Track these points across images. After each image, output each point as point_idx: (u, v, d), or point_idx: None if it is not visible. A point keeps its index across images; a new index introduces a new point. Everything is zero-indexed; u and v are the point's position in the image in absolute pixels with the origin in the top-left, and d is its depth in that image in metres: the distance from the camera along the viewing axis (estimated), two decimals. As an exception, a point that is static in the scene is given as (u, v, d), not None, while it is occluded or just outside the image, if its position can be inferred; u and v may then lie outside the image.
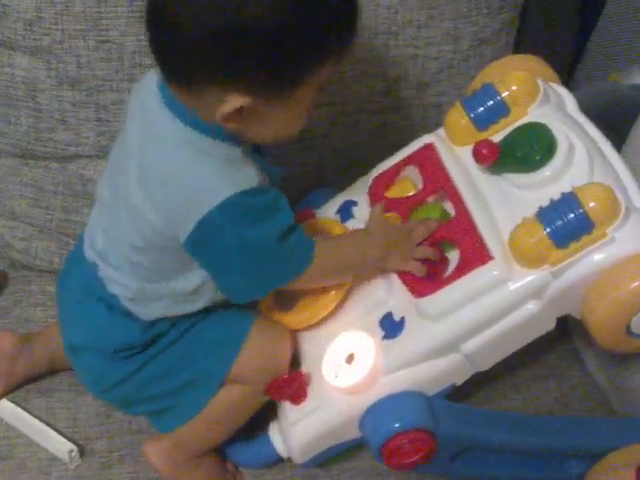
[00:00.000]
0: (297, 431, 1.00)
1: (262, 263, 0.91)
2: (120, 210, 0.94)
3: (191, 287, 0.96)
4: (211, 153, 0.88)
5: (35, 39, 1.10)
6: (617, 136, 1.03)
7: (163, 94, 0.89)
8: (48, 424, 1.08)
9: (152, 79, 0.92)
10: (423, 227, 0.98)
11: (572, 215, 0.87)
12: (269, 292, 0.98)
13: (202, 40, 0.82)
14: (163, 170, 0.89)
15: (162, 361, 0.99)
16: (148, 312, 0.97)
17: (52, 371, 1.12)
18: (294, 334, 1.03)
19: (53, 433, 1.07)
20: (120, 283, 0.97)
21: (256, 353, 0.98)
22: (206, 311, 0.99)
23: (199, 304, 0.98)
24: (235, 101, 0.84)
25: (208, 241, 0.89)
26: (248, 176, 0.88)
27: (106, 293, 0.98)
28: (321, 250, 0.94)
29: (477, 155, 0.96)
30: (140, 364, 0.99)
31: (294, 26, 0.82)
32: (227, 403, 1.00)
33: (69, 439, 1.06)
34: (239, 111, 0.85)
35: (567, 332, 1.14)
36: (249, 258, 0.90)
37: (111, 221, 0.97)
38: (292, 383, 0.99)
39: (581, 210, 0.87)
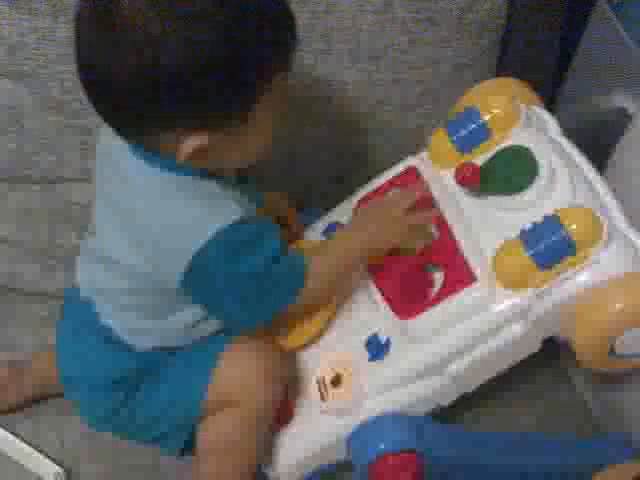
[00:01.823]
0: (283, 452, 1.00)
1: (257, 292, 0.90)
2: (105, 261, 0.94)
3: (184, 326, 0.96)
4: (189, 193, 0.87)
5: (18, 64, 1.10)
6: (599, 159, 1.05)
7: (128, 142, 0.88)
8: (34, 447, 1.07)
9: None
10: (402, 194, 0.99)
11: (555, 238, 0.88)
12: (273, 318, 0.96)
13: (138, 91, 0.80)
14: (143, 218, 0.88)
15: (152, 389, 0.98)
16: (144, 343, 0.97)
17: (41, 398, 1.11)
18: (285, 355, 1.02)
19: (40, 456, 1.06)
20: (116, 317, 0.97)
21: (230, 373, 0.97)
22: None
23: (194, 337, 0.98)
24: (192, 142, 0.83)
25: (199, 281, 0.88)
26: (230, 209, 0.87)
27: (101, 325, 0.97)
28: (313, 264, 0.94)
29: (459, 177, 0.97)
30: (133, 393, 0.98)
31: (228, 57, 0.79)
32: (225, 430, 0.98)
33: (55, 462, 1.06)
34: (200, 149, 0.83)
35: (555, 350, 1.14)
36: (243, 290, 0.90)
37: (99, 268, 0.97)
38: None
39: (564, 232, 0.88)
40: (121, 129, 0.86)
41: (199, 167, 0.86)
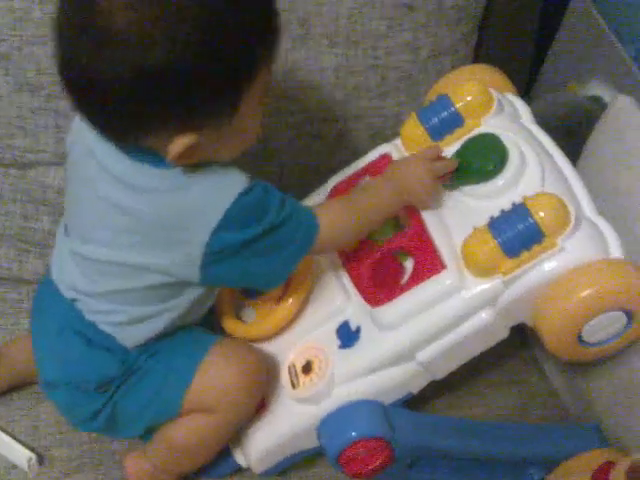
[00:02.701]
0: (256, 440, 1.00)
1: (279, 244, 0.90)
2: (97, 264, 0.93)
3: (186, 305, 0.95)
4: (187, 181, 0.86)
5: (-7, 45, 1.10)
6: (575, 146, 1.05)
7: (115, 144, 0.87)
8: (7, 432, 1.07)
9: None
10: (430, 150, 0.98)
11: (522, 225, 0.88)
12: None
13: (122, 93, 0.79)
14: (152, 217, 0.87)
15: (132, 393, 0.97)
16: (134, 335, 0.95)
17: (13, 388, 1.10)
18: (266, 359, 1.01)
19: (12, 441, 1.06)
20: (106, 311, 0.95)
21: (207, 383, 0.95)
22: (171, 334, 0.97)
23: (188, 319, 0.97)
24: (180, 142, 0.82)
25: (221, 262, 0.88)
26: (235, 178, 0.87)
27: (84, 324, 0.96)
28: (325, 210, 0.94)
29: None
30: (114, 396, 0.97)
31: (212, 55, 0.79)
32: (196, 433, 0.98)
33: (28, 447, 1.05)
34: (189, 148, 0.83)
35: (527, 339, 1.15)
36: (266, 249, 0.89)
37: (92, 272, 0.94)
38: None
39: (531, 220, 0.88)
40: (105, 131, 0.85)
41: (189, 164, 0.85)
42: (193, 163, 0.85)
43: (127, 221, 0.88)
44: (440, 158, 0.97)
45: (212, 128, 0.83)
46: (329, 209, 0.95)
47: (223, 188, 0.86)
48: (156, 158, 0.85)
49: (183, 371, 0.96)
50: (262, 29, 0.83)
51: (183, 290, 0.93)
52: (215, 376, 0.95)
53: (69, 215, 0.98)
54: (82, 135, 0.91)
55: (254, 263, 0.90)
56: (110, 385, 0.96)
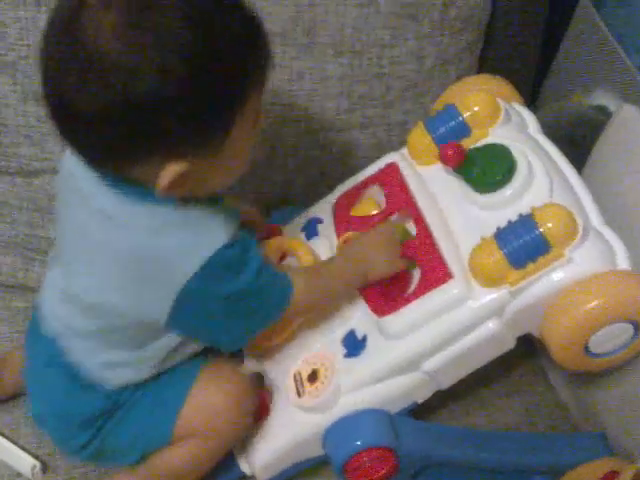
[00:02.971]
0: (260, 449, 1.00)
1: (247, 310, 0.89)
2: (78, 300, 0.92)
3: (164, 353, 0.93)
4: (172, 223, 0.85)
5: (1, 54, 1.10)
6: (580, 156, 1.05)
7: (100, 174, 0.85)
8: (11, 440, 1.06)
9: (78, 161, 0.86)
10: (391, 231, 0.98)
11: (528, 237, 0.88)
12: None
13: (109, 122, 0.77)
14: (128, 256, 0.86)
15: (121, 427, 0.96)
16: (116, 379, 0.94)
17: (18, 394, 1.10)
18: (254, 383, 1.00)
19: (16, 449, 1.06)
20: (87, 355, 0.94)
21: (197, 410, 0.94)
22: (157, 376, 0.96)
23: (168, 365, 0.96)
24: (171, 171, 0.80)
25: (189, 311, 0.87)
26: (214, 235, 0.85)
27: (68, 361, 0.94)
28: (301, 277, 0.93)
29: (443, 157, 0.96)
30: (102, 430, 0.96)
31: (201, 84, 0.77)
32: (189, 458, 0.96)
33: (32, 455, 1.05)
34: (180, 176, 0.81)
35: (532, 349, 1.15)
36: (234, 311, 0.88)
37: (70, 306, 0.93)
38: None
39: (537, 231, 0.88)
40: (92, 161, 0.83)
41: (179, 195, 0.84)
42: (182, 195, 0.83)
43: (103, 256, 0.87)
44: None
45: (202, 156, 0.82)
46: (302, 275, 0.95)
47: (206, 236, 0.85)
48: (142, 191, 0.83)
49: (172, 401, 0.95)
50: (252, 56, 0.82)
51: (159, 336, 0.91)
52: (206, 402, 0.95)
53: (56, 247, 0.98)
54: (69, 169, 0.90)
55: (224, 320, 0.89)
56: (96, 421, 0.95)
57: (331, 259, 1.01)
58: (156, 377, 0.95)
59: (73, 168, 0.88)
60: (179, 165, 0.80)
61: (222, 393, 0.95)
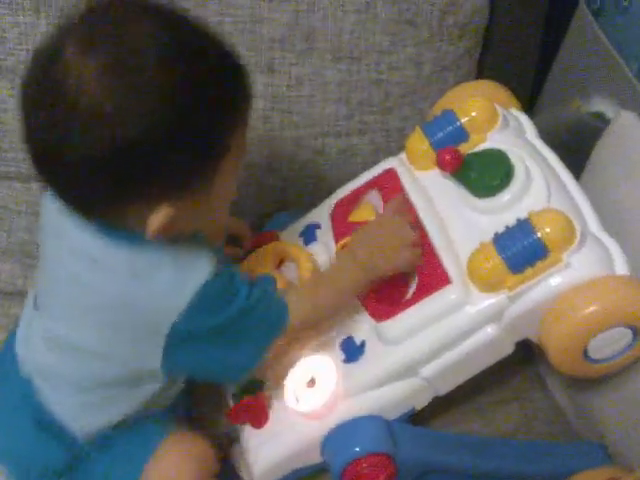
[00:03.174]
0: (258, 455, 0.99)
1: (241, 338, 0.88)
2: (57, 342, 0.90)
3: (142, 400, 0.92)
4: (155, 263, 0.83)
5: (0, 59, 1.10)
6: (577, 162, 1.05)
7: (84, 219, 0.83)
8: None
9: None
10: (393, 218, 0.96)
11: (526, 241, 0.88)
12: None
13: (92, 169, 0.76)
14: (113, 300, 0.84)
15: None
16: (86, 423, 0.92)
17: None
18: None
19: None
20: (60, 399, 0.92)
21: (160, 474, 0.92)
22: (124, 424, 0.93)
23: (148, 412, 0.94)
24: (159, 216, 0.80)
25: (183, 351, 0.86)
26: (199, 269, 0.84)
27: (36, 404, 0.92)
28: (295, 294, 0.92)
29: (441, 162, 0.96)
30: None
31: (184, 127, 0.77)
32: None
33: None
34: (169, 220, 0.80)
35: (531, 355, 1.14)
36: (228, 342, 0.87)
37: (48, 348, 0.91)
38: (253, 407, 0.99)
39: (535, 236, 0.88)
40: (76, 207, 0.82)
41: (167, 236, 0.82)
42: (171, 236, 0.82)
43: (88, 299, 0.86)
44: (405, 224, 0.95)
45: (190, 198, 0.81)
46: (298, 293, 0.93)
47: (191, 272, 0.83)
48: (127, 234, 0.83)
49: (138, 459, 0.92)
50: (235, 96, 0.82)
51: (140, 383, 0.90)
52: (169, 467, 0.92)
53: (38, 285, 0.95)
54: (50, 208, 0.88)
55: (221, 350, 0.88)
56: (56, 475, 0.92)
57: (332, 264, 0.99)
58: (121, 437, 0.92)
59: (55, 208, 0.86)
60: (167, 209, 0.80)
61: (187, 459, 0.93)
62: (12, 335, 0.99)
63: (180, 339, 0.84)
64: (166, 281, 0.83)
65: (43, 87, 0.78)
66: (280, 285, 0.98)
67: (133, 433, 0.93)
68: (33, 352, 0.93)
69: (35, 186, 1.18)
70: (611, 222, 0.94)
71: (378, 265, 0.93)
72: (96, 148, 0.75)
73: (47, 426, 0.92)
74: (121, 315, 0.85)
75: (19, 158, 1.16)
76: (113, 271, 0.84)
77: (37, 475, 0.93)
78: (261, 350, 0.91)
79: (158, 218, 0.80)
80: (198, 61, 0.78)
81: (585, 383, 1.04)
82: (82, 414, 0.92)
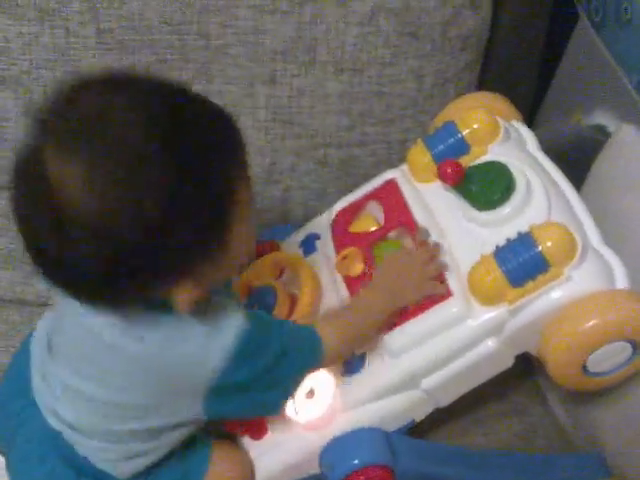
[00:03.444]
0: (257, 466, 0.99)
1: (281, 377, 0.88)
2: (97, 404, 0.87)
3: (181, 438, 0.91)
4: (185, 327, 0.81)
5: (3, 69, 1.11)
6: (578, 175, 1.05)
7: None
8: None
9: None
10: (422, 250, 0.95)
11: (527, 255, 0.88)
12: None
13: (100, 273, 0.73)
14: (151, 361, 0.82)
15: None
16: (128, 469, 0.90)
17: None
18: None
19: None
20: (96, 448, 0.89)
21: None
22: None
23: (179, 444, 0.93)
24: (183, 295, 0.78)
25: (228, 396, 0.85)
26: (233, 318, 0.83)
27: (76, 455, 0.90)
28: (328, 328, 0.91)
29: (442, 174, 0.96)
30: None
31: (190, 211, 0.74)
32: None
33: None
34: (195, 291, 0.78)
35: (530, 368, 1.14)
36: (275, 381, 0.87)
37: (82, 410, 0.88)
38: (252, 418, 0.99)
39: (536, 250, 0.88)
40: (96, 306, 0.79)
41: (198, 300, 0.80)
42: (200, 298, 0.80)
43: (118, 361, 0.83)
44: (433, 257, 0.95)
45: (208, 266, 0.78)
46: (330, 326, 0.92)
47: (222, 330, 0.82)
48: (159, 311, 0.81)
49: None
50: (233, 160, 0.79)
51: (181, 427, 0.90)
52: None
53: (55, 332, 0.91)
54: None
55: (259, 393, 0.87)
56: None
57: (357, 297, 0.97)
58: (167, 458, 0.92)
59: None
60: (191, 283, 0.78)
61: (236, 471, 0.96)
62: (22, 355, 0.97)
63: (218, 393, 0.84)
64: (199, 339, 0.82)
65: (29, 188, 0.74)
66: (280, 296, 0.99)
67: (181, 456, 0.93)
68: (58, 405, 0.90)
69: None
70: (612, 235, 0.94)
71: (404, 296, 0.94)
72: (100, 253, 0.72)
73: (88, 473, 0.90)
74: (161, 378, 0.84)
75: (21, 167, 1.16)
76: (142, 340, 0.81)
77: None
78: (296, 384, 0.91)
79: (184, 296, 0.78)
80: (185, 136, 0.74)
81: (584, 396, 1.04)
82: (120, 462, 0.90)
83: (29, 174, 0.74)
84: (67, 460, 0.90)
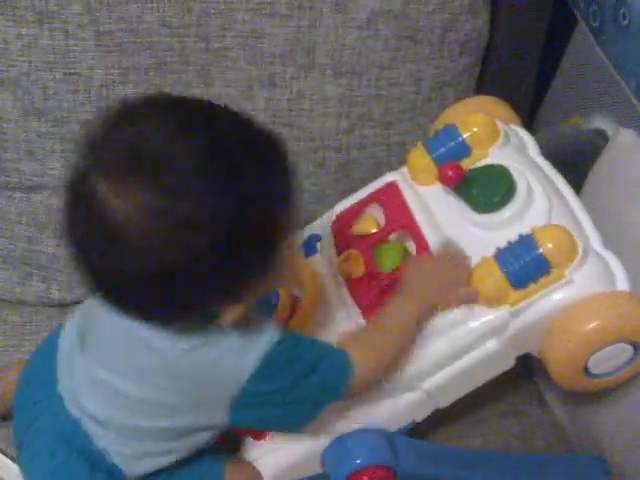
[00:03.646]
0: (260, 467, 0.99)
1: (312, 394, 0.88)
2: (122, 398, 0.88)
3: (198, 444, 0.92)
4: (223, 334, 0.83)
5: (2, 70, 1.11)
6: (577, 179, 1.06)
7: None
8: (9, 457, 1.05)
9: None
10: (450, 257, 0.95)
11: (529, 257, 0.89)
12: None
13: (158, 293, 0.75)
14: (183, 367, 0.84)
15: None
16: (141, 467, 0.91)
17: (5, 419, 1.07)
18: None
19: (10, 463, 1.05)
20: (113, 441, 0.90)
21: None
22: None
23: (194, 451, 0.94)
24: (231, 314, 0.80)
25: (253, 406, 0.86)
26: (267, 330, 0.84)
27: (91, 448, 0.90)
28: (358, 353, 0.90)
29: (443, 177, 0.97)
30: None
31: (246, 240, 0.75)
32: None
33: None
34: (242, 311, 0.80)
35: (529, 369, 1.15)
36: (300, 399, 0.88)
37: (107, 402, 0.89)
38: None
39: (538, 252, 0.88)
40: (146, 321, 0.81)
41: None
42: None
43: (156, 361, 0.84)
44: (460, 262, 0.94)
45: (254, 286, 0.80)
46: (359, 343, 0.92)
47: (256, 340, 0.84)
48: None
49: None
50: (287, 185, 0.80)
51: (205, 429, 0.90)
52: None
53: (88, 329, 0.92)
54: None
55: (287, 409, 0.88)
56: None
57: (383, 312, 0.94)
58: (178, 467, 0.93)
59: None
60: (241, 306, 0.80)
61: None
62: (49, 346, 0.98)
63: (246, 401, 0.85)
64: (234, 347, 0.83)
65: (88, 227, 0.75)
66: (282, 297, 0.99)
67: (196, 465, 0.94)
68: (82, 396, 0.90)
69: (35, 197, 1.18)
70: (610, 238, 0.95)
71: (433, 301, 0.93)
72: (158, 273, 0.74)
73: (101, 467, 0.90)
74: (189, 381, 0.85)
75: (21, 169, 1.16)
76: (178, 339, 0.83)
77: None
78: (323, 404, 0.90)
79: (231, 312, 0.80)
80: (236, 162, 0.75)
81: (584, 397, 1.05)
82: (134, 459, 0.91)
83: (81, 196, 0.75)
84: (82, 453, 0.91)
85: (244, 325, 0.83)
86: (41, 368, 0.97)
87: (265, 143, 0.79)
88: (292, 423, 0.92)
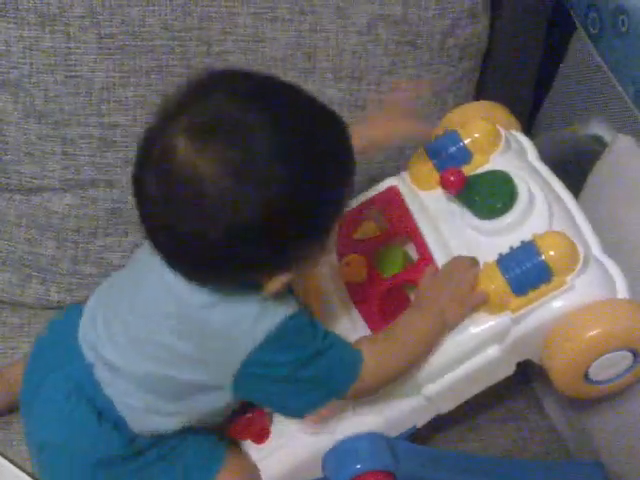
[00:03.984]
0: (261, 471, 0.99)
1: (312, 379, 0.89)
2: (139, 343, 0.91)
3: (202, 412, 0.93)
4: (245, 296, 0.85)
5: (3, 72, 1.11)
6: (575, 185, 1.06)
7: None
8: (5, 456, 1.06)
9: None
10: (462, 267, 0.94)
11: (530, 264, 0.89)
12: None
13: (218, 252, 0.79)
14: (189, 323, 0.87)
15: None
16: (145, 425, 0.93)
17: (11, 411, 1.09)
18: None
19: (11, 467, 1.05)
20: (123, 391, 0.92)
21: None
22: (184, 432, 0.94)
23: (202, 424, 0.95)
24: (275, 284, 0.82)
25: (254, 379, 0.88)
26: (286, 301, 0.86)
27: (100, 396, 0.92)
28: (370, 347, 0.92)
29: (444, 182, 0.97)
30: (115, 477, 0.94)
31: (304, 210, 0.79)
32: None
33: (28, 473, 1.04)
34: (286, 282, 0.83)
35: (528, 375, 1.15)
36: (299, 380, 0.88)
37: (124, 347, 0.92)
38: (255, 422, 0.99)
39: (539, 259, 0.89)
40: (196, 281, 0.84)
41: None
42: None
43: (172, 307, 0.87)
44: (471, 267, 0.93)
45: (305, 261, 0.84)
46: (374, 346, 0.92)
47: (273, 312, 0.85)
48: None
49: (207, 470, 0.95)
50: (348, 163, 0.84)
51: (209, 393, 0.91)
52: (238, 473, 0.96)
53: (122, 287, 0.96)
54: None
55: (288, 388, 0.89)
56: (113, 464, 0.93)
57: (400, 319, 0.95)
58: (183, 447, 0.95)
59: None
60: (285, 275, 0.82)
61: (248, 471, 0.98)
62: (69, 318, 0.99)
63: (251, 369, 0.86)
64: (251, 314, 0.85)
65: (163, 184, 0.78)
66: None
67: (197, 446, 0.95)
68: (101, 342, 0.93)
69: (35, 199, 1.18)
70: (609, 244, 0.96)
71: (451, 311, 0.93)
72: (216, 234, 0.77)
73: (107, 416, 0.92)
74: (211, 336, 0.87)
75: (22, 171, 1.16)
76: (200, 294, 0.85)
77: (91, 466, 0.93)
78: (326, 396, 0.91)
79: (277, 283, 0.83)
80: (313, 138, 0.80)
81: (582, 404, 1.05)
82: (141, 414, 0.92)
83: (162, 160, 0.78)
84: (90, 401, 0.92)
85: (267, 297, 0.85)
86: (49, 345, 1.00)
87: (331, 115, 0.84)
88: (291, 406, 0.92)
